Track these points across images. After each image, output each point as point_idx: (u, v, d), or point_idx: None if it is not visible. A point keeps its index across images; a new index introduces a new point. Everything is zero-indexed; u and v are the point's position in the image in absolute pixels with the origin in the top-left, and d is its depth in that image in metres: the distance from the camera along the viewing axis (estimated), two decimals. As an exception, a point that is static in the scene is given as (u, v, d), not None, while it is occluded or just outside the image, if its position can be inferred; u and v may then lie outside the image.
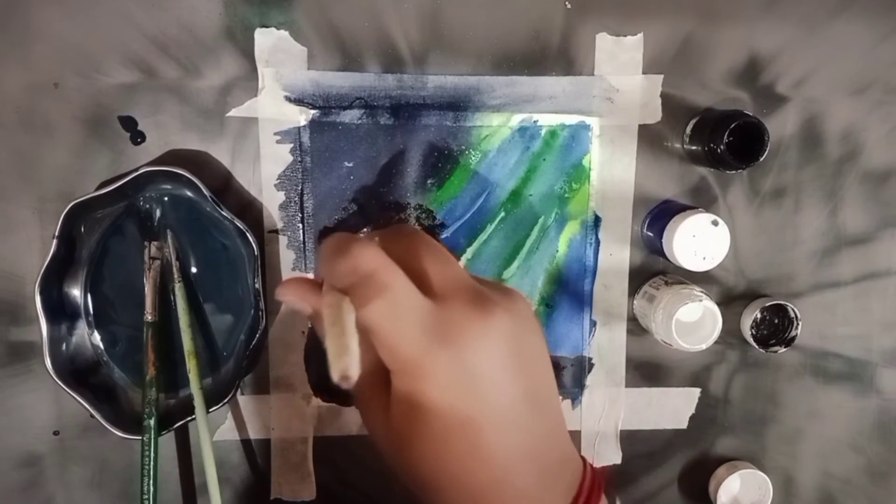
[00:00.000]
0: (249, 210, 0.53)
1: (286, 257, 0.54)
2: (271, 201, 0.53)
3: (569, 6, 0.53)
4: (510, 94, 0.53)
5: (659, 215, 0.54)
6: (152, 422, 0.50)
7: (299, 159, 0.53)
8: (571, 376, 0.57)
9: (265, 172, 0.53)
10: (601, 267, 0.56)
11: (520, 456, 0.26)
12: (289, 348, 0.55)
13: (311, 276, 0.29)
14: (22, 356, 0.52)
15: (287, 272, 0.54)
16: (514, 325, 0.26)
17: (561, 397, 0.57)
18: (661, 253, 0.52)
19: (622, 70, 0.53)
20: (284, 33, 0.51)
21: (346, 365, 0.24)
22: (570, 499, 0.28)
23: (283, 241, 0.54)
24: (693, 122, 0.54)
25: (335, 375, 0.24)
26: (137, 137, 0.51)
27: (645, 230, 0.55)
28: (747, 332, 0.55)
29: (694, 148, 0.53)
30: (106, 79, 0.51)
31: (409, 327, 0.25)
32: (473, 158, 0.54)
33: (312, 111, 0.52)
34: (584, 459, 0.30)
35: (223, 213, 0.49)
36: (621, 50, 0.53)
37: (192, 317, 0.52)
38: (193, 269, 0.52)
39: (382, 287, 0.25)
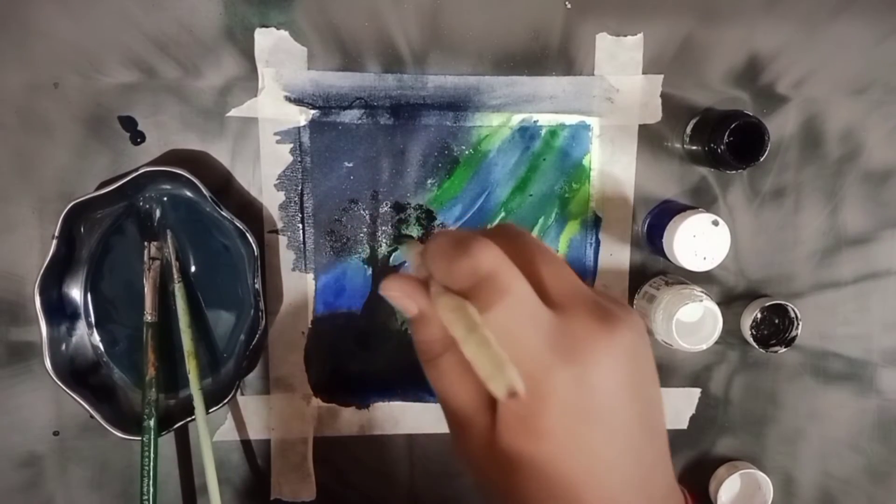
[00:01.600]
0: (249, 210, 0.53)
1: (286, 257, 0.54)
2: (271, 201, 0.53)
3: (569, 6, 0.53)
4: (510, 94, 0.53)
5: (659, 215, 0.54)
6: (152, 422, 0.50)
7: (299, 159, 0.53)
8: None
9: (265, 172, 0.53)
10: (601, 267, 0.56)
11: (630, 483, 0.25)
12: (289, 348, 0.55)
13: (410, 268, 0.27)
14: (22, 356, 0.52)
15: (287, 272, 0.54)
16: (636, 342, 0.24)
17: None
18: (662, 253, 0.52)
19: (622, 70, 0.53)
20: (284, 33, 0.51)
21: (513, 377, 0.22)
22: None
23: (283, 241, 0.54)
24: (693, 122, 0.54)
25: (502, 392, 0.21)
26: (137, 137, 0.51)
27: (645, 230, 0.55)
28: (747, 332, 0.55)
29: (694, 148, 0.53)
30: (106, 79, 0.51)
31: (530, 338, 0.22)
32: (473, 158, 0.54)
33: (312, 111, 0.52)
34: (684, 492, 0.28)
35: (223, 213, 0.49)
36: (621, 50, 0.53)
37: (192, 317, 0.51)
38: (193, 269, 0.52)
39: (505, 291, 0.22)
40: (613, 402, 0.24)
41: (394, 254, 0.55)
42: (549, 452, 0.23)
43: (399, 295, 0.26)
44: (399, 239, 0.54)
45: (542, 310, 0.23)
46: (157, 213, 0.51)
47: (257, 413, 0.55)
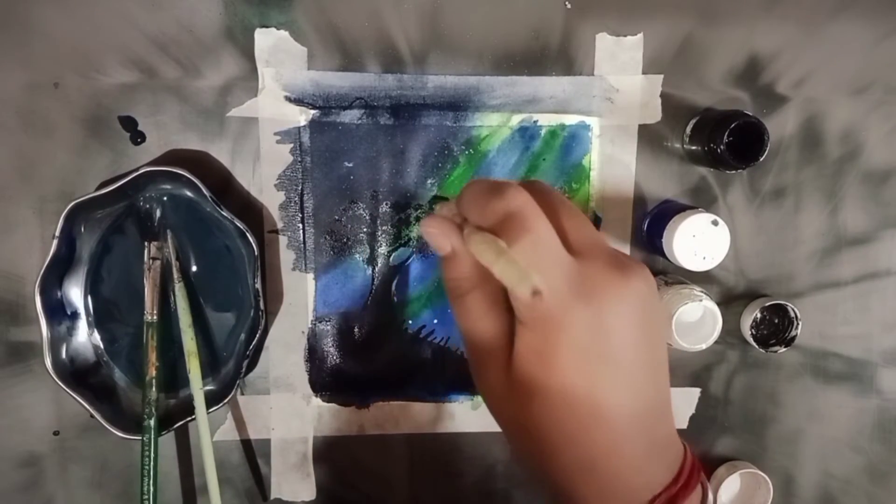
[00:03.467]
0: (249, 210, 0.53)
1: (286, 257, 0.54)
2: (271, 201, 0.53)
3: (569, 6, 0.53)
4: (510, 94, 0.53)
5: (659, 215, 0.54)
6: (152, 422, 0.50)
7: (299, 159, 0.53)
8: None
9: (265, 172, 0.53)
10: (601, 267, 0.56)
11: (635, 424, 0.26)
12: (289, 348, 0.55)
13: (443, 213, 0.30)
14: (22, 356, 0.52)
15: (287, 272, 0.54)
16: (649, 292, 0.26)
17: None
18: (661, 253, 0.52)
19: (622, 70, 0.53)
20: (284, 33, 0.51)
21: (536, 279, 0.24)
22: (672, 476, 0.27)
23: (283, 241, 0.54)
24: (693, 122, 0.54)
25: (526, 291, 0.24)
26: (137, 137, 0.51)
27: (645, 230, 0.55)
28: (747, 332, 0.55)
29: (694, 148, 0.53)
30: (106, 79, 0.51)
31: (551, 274, 0.24)
32: (473, 158, 0.54)
33: (312, 111, 0.52)
34: (685, 445, 0.30)
35: (223, 213, 0.49)
36: (621, 50, 0.53)
37: (192, 317, 0.51)
38: (193, 269, 0.52)
39: (530, 227, 0.25)
40: (624, 345, 0.25)
41: (394, 254, 0.55)
42: (561, 385, 0.25)
43: (437, 232, 0.28)
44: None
45: (562, 252, 0.25)
46: (158, 213, 0.51)
47: (257, 413, 0.55)
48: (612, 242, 0.55)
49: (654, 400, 0.27)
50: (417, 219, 0.54)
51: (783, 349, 0.55)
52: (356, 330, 0.55)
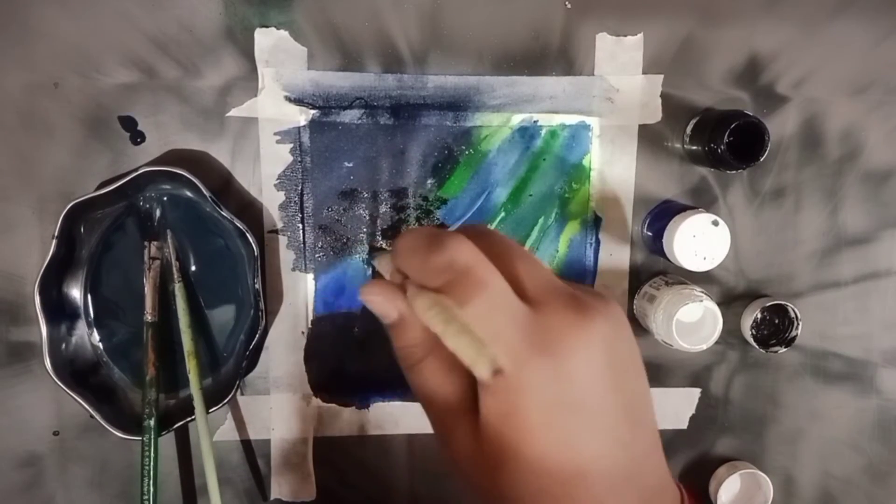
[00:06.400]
0: (249, 210, 0.53)
1: (286, 257, 0.54)
2: (271, 201, 0.53)
3: (569, 6, 0.53)
4: (510, 94, 0.53)
5: (659, 215, 0.54)
6: (152, 422, 0.50)
7: (299, 159, 0.53)
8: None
9: (265, 172, 0.53)
10: (601, 267, 0.56)
11: (620, 476, 0.24)
12: (289, 348, 0.55)
13: (381, 269, 0.27)
14: (22, 356, 0.52)
15: (287, 272, 0.54)
16: (615, 331, 0.24)
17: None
18: (662, 253, 0.52)
19: (622, 70, 0.53)
20: (284, 33, 0.51)
21: (495, 355, 0.22)
22: None
23: (283, 241, 0.54)
24: (693, 122, 0.54)
25: (486, 372, 0.22)
26: (137, 137, 0.51)
27: (645, 230, 0.55)
28: (747, 332, 0.55)
29: (694, 148, 0.53)
30: (106, 79, 0.51)
31: (507, 331, 0.23)
32: (473, 158, 0.54)
33: (312, 111, 0.52)
34: (680, 487, 0.28)
35: (223, 213, 0.49)
36: (621, 50, 0.53)
37: (192, 317, 0.51)
38: (193, 269, 0.52)
39: (481, 284, 0.23)
40: (593, 392, 0.23)
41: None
42: (533, 447, 0.23)
43: (379, 300, 0.26)
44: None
45: (517, 304, 0.23)
46: (157, 212, 0.51)
47: (257, 413, 0.55)
48: (612, 242, 0.55)
49: (637, 447, 0.25)
50: (417, 219, 0.54)
51: (783, 349, 0.55)
52: (356, 330, 0.55)
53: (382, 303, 0.26)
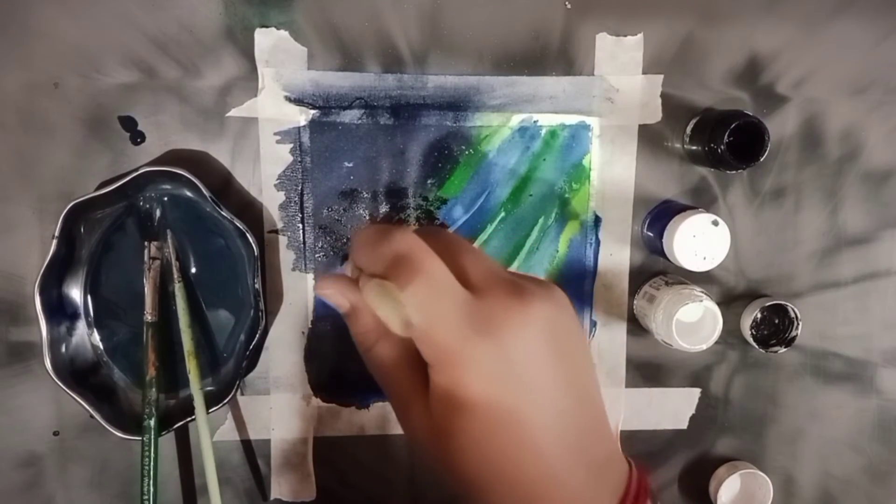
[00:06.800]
0: (249, 210, 0.53)
1: (286, 257, 0.54)
2: (271, 201, 0.53)
3: (569, 6, 0.53)
4: (510, 94, 0.53)
5: (659, 215, 0.54)
6: (152, 422, 0.50)
7: (299, 159, 0.53)
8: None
9: (265, 172, 0.53)
10: (601, 267, 0.56)
11: (566, 449, 0.26)
12: (289, 348, 0.55)
13: (346, 271, 0.30)
14: (22, 356, 0.52)
15: (287, 272, 0.54)
16: (554, 314, 0.26)
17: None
18: (662, 253, 0.52)
19: (622, 70, 0.53)
20: (284, 33, 0.51)
21: (407, 311, 0.24)
22: (617, 500, 0.27)
23: (283, 241, 0.54)
24: (693, 122, 0.54)
25: (399, 324, 0.24)
26: (137, 137, 0.51)
27: (645, 230, 0.55)
28: (747, 332, 0.55)
29: (694, 148, 0.53)
30: (106, 79, 0.51)
31: (448, 313, 0.24)
32: (473, 158, 0.54)
33: (312, 111, 0.52)
34: (629, 460, 0.29)
35: (223, 213, 0.49)
36: (621, 50, 0.53)
37: (192, 317, 0.51)
38: (193, 269, 0.52)
39: (421, 268, 0.25)
40: (533, 370, 0.25)
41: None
42: (478, 422, 0.25)
43: (332, 292, 0.28)
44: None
45: (458, 289, 0.25)
46: (157, 213, 0.51)
47: (257, 413, 0.55)
48: (612, 242, 0.55)
49: (582, 420, 0.26)
50: (417, 219, 0.54)
51: (783, 349, 0.55)
52: (356, 330, 0.55)
53: (334, 294, 0.28)
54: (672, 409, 0.58)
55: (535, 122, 0.54)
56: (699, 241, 0.50)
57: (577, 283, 0.56)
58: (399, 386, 0.28)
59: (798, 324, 0.54)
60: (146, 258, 0.51)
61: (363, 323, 0.28)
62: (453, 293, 0.25)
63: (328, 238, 0.54)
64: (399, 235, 0.26)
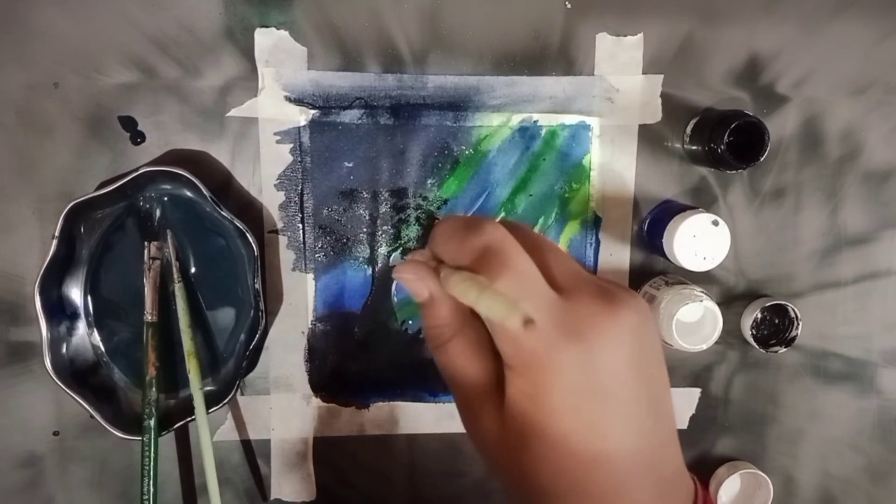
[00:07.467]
0: (249, 210, 0.53)
1: (286, 257, 0.54)
2: (271, 201, 0.53)
3: (569, 6, 0.53)
4: (510, 94, 0.53)
5: (659, 215, 0.54)
6: (152, 422, 0.50)
7: (299, 159, 0.53)
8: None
9: (265, 172, 0.53)
10: (601, 267, 0.56)
11: (639, 463, 0.25)
12: (289, 348, 0.55)
13: (422, 260, 0.29)
14: (22, 356, 0.52)
15: (287, 272, 0.54)
16: (640, 323, 0.25)
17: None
18: (662, 253, 0.52)
19: (622, 70, 0.53)
20: (284, 33, 0.51)
21: (527, 309, 0.23)
22: None
23: (283, 241, 0.54)
24: (693, 122, 0.54)
25: (518, 322, 0.23)
26: (137, 137, 0.51)
27: (645, 230, 0.55)
28: (747, 332, 0.55)
29: (694, 148, 0.53)
30: (106, 79, 0.51)
31: (536, 312, 0.23)
32: (473, 158, 0.54)
33: (312, 111, 0.52)
34: (694, 479, 0.28)
35: (223, 213, 0.49)
36: (621, 50, 0.53)
37: (192, 317, 0.51)
38: (193, 270, 0.52)
39: (511, 263, 0.24)
40: (619, 381, 0.24)
41: (393, 254, 0.55)
42: (557, 430, 0.24)
43: (413, 278, 0.26)
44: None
45: (546, 288, 0.24)
46: (157, 212, 0.51)
47: (257, 413, 0.55)
48: (612, 242, 0.55)
49: (657, 436, 0.25)
50: (417, 219, 0.54)
51: (783, 349, 0.55)
52: (356, 330, 0.55)
53: (415, 281, 0.26)
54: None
55: (535, 122, 0.54)
56: (699, 241, 0.50)
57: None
58: (471, 387, 0.26)
59: (798, 324, 0.54)
60: (146, 258, 0.51)
61: (440, 315, 0.26)
62: (542, 292, 0.24)
63: (328, 238, 0.54)
64: (490, 227, 0.24)
